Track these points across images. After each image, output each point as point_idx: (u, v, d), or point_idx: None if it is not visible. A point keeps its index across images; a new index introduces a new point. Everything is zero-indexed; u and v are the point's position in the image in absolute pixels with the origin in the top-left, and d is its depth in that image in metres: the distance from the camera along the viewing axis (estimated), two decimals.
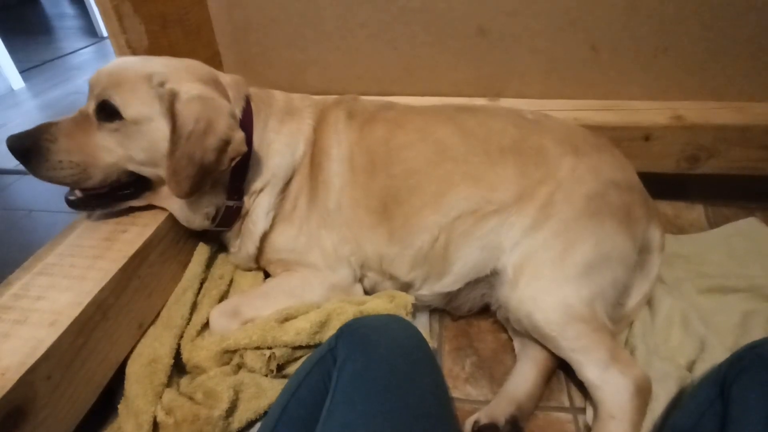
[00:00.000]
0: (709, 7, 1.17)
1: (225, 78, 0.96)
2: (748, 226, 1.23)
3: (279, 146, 0.98)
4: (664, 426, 0.76)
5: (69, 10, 4.76)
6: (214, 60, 1.40)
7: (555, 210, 0.89)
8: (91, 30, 3.86)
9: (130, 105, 0.83)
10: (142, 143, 0.85)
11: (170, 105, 0.82)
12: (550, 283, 0.85)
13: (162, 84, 0.83)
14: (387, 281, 1.02)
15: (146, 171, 0.89)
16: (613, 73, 1.30)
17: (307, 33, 1.35)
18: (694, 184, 1.41)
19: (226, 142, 0.84)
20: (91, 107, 0.85)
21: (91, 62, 3.21)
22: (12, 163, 1.93)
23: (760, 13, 1.17)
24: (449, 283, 0.97)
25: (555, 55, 1.29)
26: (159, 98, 0.83)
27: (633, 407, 0.76)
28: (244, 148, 0.87)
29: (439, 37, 1.31)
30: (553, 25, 1.24)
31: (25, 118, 2.38)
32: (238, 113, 0.92)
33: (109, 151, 0.85)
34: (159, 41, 1.12)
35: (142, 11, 1.05)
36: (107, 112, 0.83)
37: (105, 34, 3.11)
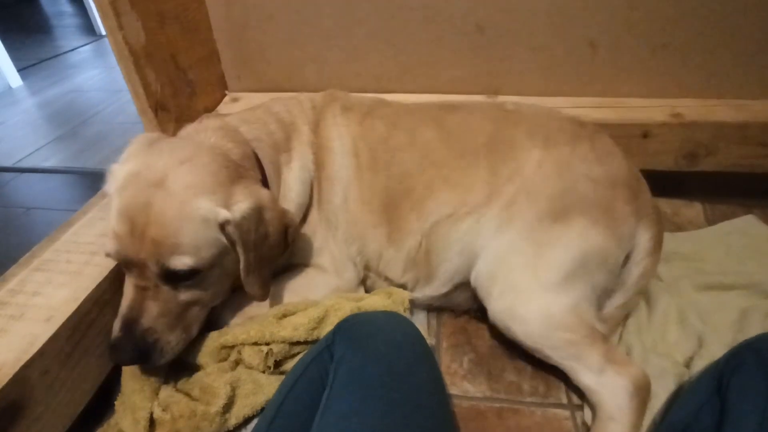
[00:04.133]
0: (708, 4, 1.17)
1: (233, 150, 0.85)
2: (746, 223, 1.22)
3: (293, 184, 0.94)
4: (662, 422, 0.76)
5: (67, 8, 4.76)
6: (212, 58, 1.40)
7: (517, 210, 0.86)
8: (89, 28, 3.85)
9: (203, 258, 0.74)
10: (221, 278, 0.81)
11: (230, 234, 0.75)
12: (524, 292, 0.82)
13: (215, 219, 0.73)
14: (384, 282, 1.02)
15: (219, 300, 0.87)
16: (611, 71, 1.30)
17: (305, 30, 1.35)
18: (692, 182, 1.40)
19: (286, 228, 0.83)
20: (152, 276, 0.72)
21: (90, 60, 3.20)
22: (9, 161, 1.94)
23: (758, 11, 1.17)
24: (437, 286, 0.97)
25: (553, 52, 1.29)
26: (220, 233, 0.74)
27: (632, 408, 0.75)
28: (297, 221, 0.88)
29: (438, 35, 1.31)
30: (551, 22, 1.24)
31: (23, 116, 2.38)
32: (257, 176, 0.87)
33: (198, 303, 0.80)
34: (156, 38, 1.11)
35: (139, 8, 1.04)
36: (180, 276, 0.74)
37: (103, 32, 3.10)
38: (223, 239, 0.75)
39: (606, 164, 0.90)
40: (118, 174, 0.75)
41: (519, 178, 0.88)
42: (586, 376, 0.79)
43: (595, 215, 0.83)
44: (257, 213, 0.77)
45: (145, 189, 0.71)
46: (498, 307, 0.84)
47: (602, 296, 0.87)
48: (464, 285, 0.96)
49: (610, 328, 0.91)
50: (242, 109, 1.03)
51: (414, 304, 1.01)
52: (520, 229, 0.85)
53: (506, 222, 0.86)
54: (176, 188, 0.71)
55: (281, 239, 0.83)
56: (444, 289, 0.97)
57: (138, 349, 0.73)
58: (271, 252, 0.82)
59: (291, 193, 0.94)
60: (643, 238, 0.89)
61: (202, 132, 0.86)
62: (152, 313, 0.74)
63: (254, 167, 0.88)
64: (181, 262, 0.71)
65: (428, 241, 0.93)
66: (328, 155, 0.98)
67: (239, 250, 0.76)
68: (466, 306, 1.02)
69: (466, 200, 0.90)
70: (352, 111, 1.02)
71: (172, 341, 0.77)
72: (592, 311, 0.83)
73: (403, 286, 0.99)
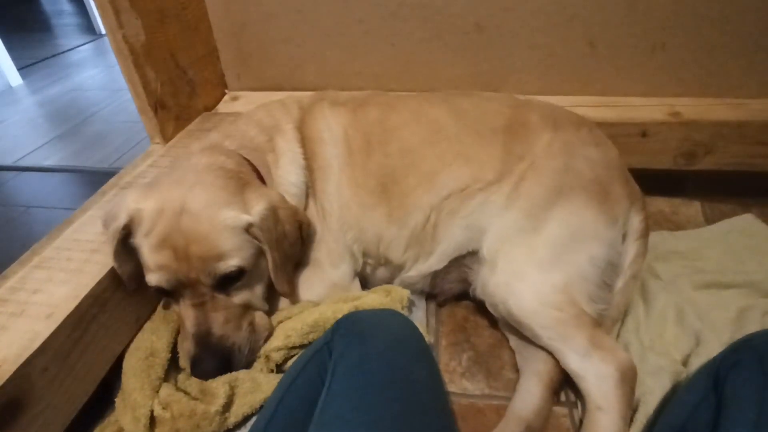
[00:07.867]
0: (707, 4, 1.17)
1: (227, 162, 0.89)
2: (744, 222, 1.23)
3: (284, 180, 0.96)
4: (657, 419, 0.76)
5: (67, 7, 4.76)
6: (212, 56, 1.40)
7: (524, 187, 0.89)
8: (89, 27, 3.86)
9: (245, 258, 0.80)
10: (261, 278, 0.87)
11: (256, 235, 0.81)
12: (523, 267, 0.85)
13: (241, 224, 0.79)
14: (382, 267, 1.02)
15: (263, 300, 0.89)
16: (610, 69, 1.30)
17: (304, 29, 1.35)
18: (691, 181, 1.41)
19: (300, 225, 0.90)
20: (205, 289, 0.78)
21: (90, 59, 3.20)
22: (9, 159, 1.94)
23: (757, 10, 1.17)
24: (434, 262, 0.98)
25: (553, 51, 1.29)
26: (248, 235, 0.80)
27: (619, 397, 0.74)
28: (308, 217, 0.94)
29: (437, 33, 1.31)
30: (550, 20, 1.24)
31: (23, 115, 2.38)
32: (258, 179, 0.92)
33: (250, 305, 0.85)
34: (156, 37, 1.12)
35: (138, 6, 1.05)
36: (231, 279, 0.80)
37: (103, 31, 3.08)
38: (253, 240, 0.81)
39: (603, 148, 0.96)
40: (140, 217, 0.77)
41: (530, 156, 0.92)
42: (571, 359, 0.79)
43: (592, 192, 0.88)
44: (273, 213, 0.83)
45: (172, 219, 0.76)
46: (498, 281, 0.86)
47: (606, 271, 0.87)
48: (455, 262, 0.98)
49: (613, 315, 0.91)
50: (225, 122, 1.04)
51: (411, 299, 1.00)
52: (523, 205, 0.88)
53: (514, 199, 0.89)
54: (199, 209, 0.77)
55: (297, 236, 0.89)
56: (439, 266, 0.98)
57: (219, 357, 0.79)
58: (292, 249, 0.88)
59: (281, 188, 0.95)
60: (636, 220, 0.93)
61: (191, 157, 0.89)
62: (219, 321, 0.79)
63: (251, 172, 0.91)
64: (228, 264, 0.78)
65: (438, 215, 0.94)
66: (318, 146, 0.98)
67: (266, 249, 0.82)
68: (449, 291, 1.03)
69: (480, 176, 0.93)
70: (344, 105, 1.03)
71: (244, 342, 0.82)
72: (589, 291, 0.84)
73: (401, 266, 1.00)
